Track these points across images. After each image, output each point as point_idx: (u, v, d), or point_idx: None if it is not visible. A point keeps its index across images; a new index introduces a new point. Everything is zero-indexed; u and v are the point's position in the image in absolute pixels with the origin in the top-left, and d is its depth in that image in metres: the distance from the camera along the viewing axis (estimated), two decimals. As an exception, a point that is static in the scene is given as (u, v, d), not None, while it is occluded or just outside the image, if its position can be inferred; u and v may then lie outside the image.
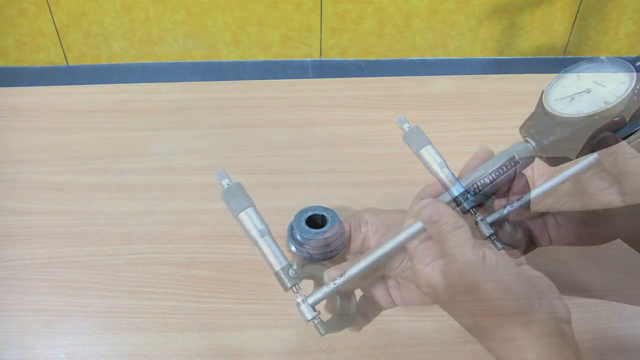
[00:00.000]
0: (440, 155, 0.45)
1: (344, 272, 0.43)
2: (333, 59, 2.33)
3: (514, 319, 0.36)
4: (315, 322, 0.42)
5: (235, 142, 0.86)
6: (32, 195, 0.77)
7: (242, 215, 0.42)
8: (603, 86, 0.41)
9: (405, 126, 0.46)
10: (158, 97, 0.95)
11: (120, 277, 0.67)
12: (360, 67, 2.31)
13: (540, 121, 0.42)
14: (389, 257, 0.43)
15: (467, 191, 0.43)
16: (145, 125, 0.89)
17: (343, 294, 0.45)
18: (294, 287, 0.42)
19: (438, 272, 0.39)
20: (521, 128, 0.44)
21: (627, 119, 0.39)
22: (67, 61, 2.29)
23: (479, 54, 2.34)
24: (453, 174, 0.44)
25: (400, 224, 0.43)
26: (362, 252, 0.46)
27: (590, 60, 0.43)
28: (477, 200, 0.43)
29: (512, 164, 0.43)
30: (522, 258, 0.43)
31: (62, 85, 0.99)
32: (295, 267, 0.42)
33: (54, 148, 0.85)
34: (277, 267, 0.42)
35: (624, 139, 0.41)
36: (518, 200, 0.44)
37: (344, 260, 0.47)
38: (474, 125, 0.89)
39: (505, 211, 0.44)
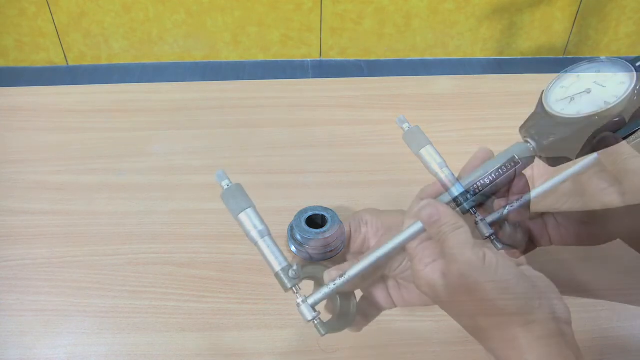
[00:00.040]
0: (440, 155, 0.45)
1: (344, 273, 0.43)
2: (333, 59, 2.33)
3: (513, 319, 0.36)
4: (316, 322, 0.42)
5: (235, 142, 0.86)
6: (32, 195, 0.77)
7: (242, 216, 0.42)
8: (603, 86, 0.41)
9: (405, 126, 0.46)
10: (158, 97, 0.95)
11: (120, 277, 0.67)
12: (360, 67, 2.31)
13: (540, 122, 0.42)
14: (389, 257, 0.43)
15: (467, 191, 0.43)
16: (145, 125, 0.89)
17: (343, 294, 0.45)
18: (294, 288, 0.42)
19: (438, 273, 0.39)
20: (521, 128, 0.44)
21: (627, 119, 0.39)
22: (67, 61, 2.29)
23: (479, 54, 2.34)
24: (453, 174, 0.44)
25: (400, 225, 0.43)
26: (362, 252, 0.46)
27: (590, 60, 0.43)
28: (477, 201, 0.43)
29: (512, 164, 0.43)
30: (522, 258, 0.43)
31: (62, 85, 0.99)
32: (295, 267, 0.42)
33: (54, 148, 0.85)
34: (277, 268, 0.42)
35: (624, 139, 0.41)
36: (518, 200, 0.44)
37: (344, 260, 0.47)
38: (474, 125, 0.89)
39: (505, 211, 0.44)
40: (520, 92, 0.96)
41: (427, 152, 0.45)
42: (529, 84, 0.98)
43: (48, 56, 2.27)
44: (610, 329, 0.62)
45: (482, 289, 0.37)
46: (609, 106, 0.39)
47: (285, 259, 0.42)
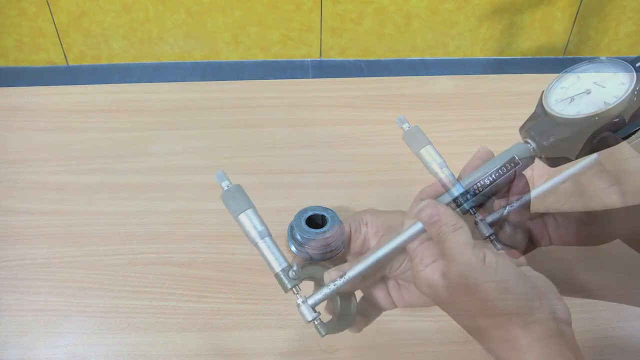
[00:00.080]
0: (440, 155, 0.45)
1: (344, 273, 0.43)
2: (333, 59, 2.33)
3: (513, 320, 0.36)
4: (316, 323, 0.42)
5: (235, 142, 0.86)
6: (32, 195, 0.77)
7: (242, 217, 0.42)
8: (603, 87, 0.41)
9: (405, 126, 0.46)
10: (158, 97, 0.95)
11: (120, 277, 0.67)
12: (360, 67, 2.31)
13: (540, 122, 0.42)
14: (389, 258, 0.43)
15: (467, 192, 0.43)
16: (145, 125, 0.89)
17: (343, 295, 0.45)
18: (294, 289, 0.42)
19: (438, 273, 0.39)
20: (521, 129, 0.44)
21: (627, 120, 0.39)
22: (67, 61, 2.29)
23: (479, 54, 2.34)
24: (453, 174, 0.44)
25: (400, 225, 0.43)
26: (362, 253, 0.46)
27: (590, 61, 0.43)
28: (476, 201, 0.43)
29: (512, 165, 0.43)
30: (522, 258, 0.43)
31: (62, 85, 0.99)
32: (295, 268, 0.42)
33: (54, 148, 0.85)
34: (277, 269, 0.42)
35: (624, 139, 0.41)
36: (518, 200, 0.44)
37: (344, 261, 0.47)
38: (474, 125, 0.89)
39: (505, 211, 0.44)
40: (520, 92, 0.96)
41: (427, 152, 0.45)
42: (529, 84, 0.98)
43: (48, 56, 2.27)
44: (610, 329, 0.62)
45: (482, 289, 0.37)
46: (609, 107, 0.39)
47: (286, 259, 0.42)
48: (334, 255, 0.46)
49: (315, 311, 0.42)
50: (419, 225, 0.41)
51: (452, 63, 2.33)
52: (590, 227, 0.48)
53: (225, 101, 0.94)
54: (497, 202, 0.45)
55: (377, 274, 0.46)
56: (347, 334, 0.46)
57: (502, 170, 0.43)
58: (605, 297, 0.60)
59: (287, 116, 0.91)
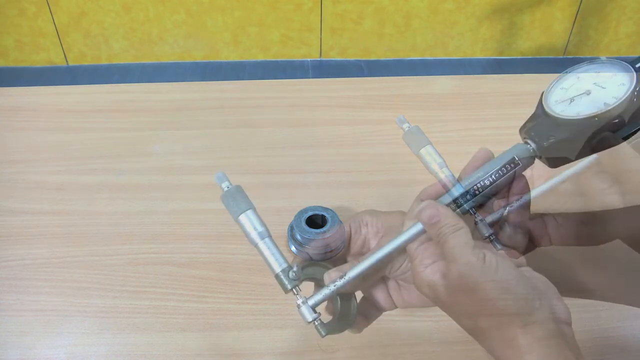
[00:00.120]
0: (439, 155, 0.45)
1: (345, 274, 0.42)
2: (333, 59, 2.33)
3: (514, 320, 0.36)
4: (316, 323, 0.42)
5: (235, 142, 0.86)
6: (32, 195, 0.77)
7: (242, 218, 0.42)
8: (603, 88, 0.41)
9: (405, 126, 0.46)
10: (158, 97, 0.95)
11: (120, 277, 0.67)
12: (360, 67, 2.31)
13: (540, 123, 0.42)
14: (389, 258, 0.43)
15: (467, 192, 0.43)
16: (145, 125, 0.89)
17: (343, 295, 0.45)
18: (294, 289, 0.42)
19: (438, 274, 0.39)
20: (521, 130, 0.44)
21: (627, 120, 0.39)
22: (67, 61, 2.29)
23: (479, 54, 2.34)
24: (452, 174, 0.44)
25: (400, 226, 0.43)
26: (363, 253, 0.46)
27: (590, 61, 0.43)
28: (476, 201, 0.43)
29: (512, 165, 0.43)
30: (522, 259, 0.43)
31: (62, 85, 1.00)
32: (295, 269, 0.42)
33: (54, 148, 0.85)
34: (278, 270, 0.42)
35: (623, 139, 0.41)
36: (518, 201, 0.44)
37: (344, 261, 0.47)
38: (474, 125, 0.90)
39: (505, 212, 0.44)
40: (520, 92, 0.96)
41: (427, 152, 0.45)
42: (529, 84, 0.98)
43: (48, 56, 2.27)
44: (610, 329, 0.62)
45: (482, 289, 0.37)
46: (609, 107, 0.39)
47: (286, 260, 0.42)
48: (334, 256, 0.46)
49: (315, 312, 0.42)
50: (419, 226, 0.41)
51: (452, 63, 2.33)
52: (590, 227, 0.48)
53: (225, 101, 0.94)
54: (497, 203, 0.45)
55: (378, 275, 0.46)
56: (347, 334, 0.46)
57: (502, 171, 0.43)
58: (605, 298, 0.60)
59: (287, 116, 0.91)
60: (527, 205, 0.45)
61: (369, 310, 0.47)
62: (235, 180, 0.43)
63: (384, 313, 0.48)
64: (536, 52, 2.34)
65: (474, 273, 0.37)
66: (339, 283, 0.42)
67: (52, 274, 0.67)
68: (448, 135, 0.87)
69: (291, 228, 0.64)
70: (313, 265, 0.45)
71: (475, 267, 0.37)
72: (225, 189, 0.43)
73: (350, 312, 0.45)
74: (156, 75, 2.24)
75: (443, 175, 0.44)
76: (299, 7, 2.18)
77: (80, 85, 0.99)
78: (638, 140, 0.43)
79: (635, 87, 0.39)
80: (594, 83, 0.41)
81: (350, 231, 0.46)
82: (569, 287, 0.47)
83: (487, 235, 0.43)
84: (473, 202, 0.43)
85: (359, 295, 0.47)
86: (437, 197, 0.44)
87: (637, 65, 0.40)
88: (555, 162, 0.43)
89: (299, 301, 0.42)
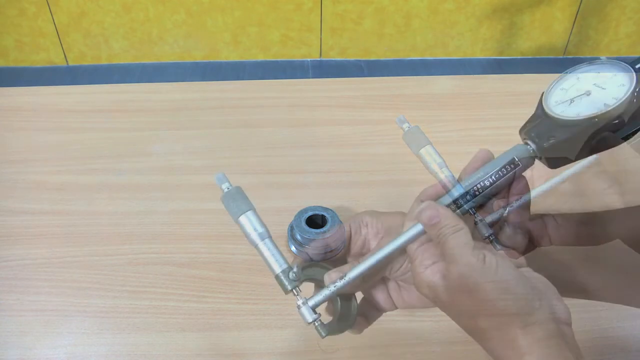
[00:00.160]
0: (439, 155, 0.45)
1: (345, 275, 0.42)
2: (333, 59, 2.33)
3: (513, 321, 0.36)
4: (316, 324, 0.42)
5: (235, 142, 0.86)
6: (32, 195, 0.77)
7: (242, 219, 0.42)
8: (603, 88, 0.41)
9: (405, 126, 0.46)
10: (158, 97, 0.95)
11: (120, 277, 0.67)
12: (360, 67, 2.31)
13: (540, 123, 0.42)
14: (389, 259, 0.43)
15: (467, 193, 0.43)
16: (145, 125, 0.89)
17: (344, 296, 0.45)
18: (294, 290, 0.42)
19: (438, 274, 0.39)
20: (521, 130, 0.44)
21: (627, 121, 0.39)
22: (67, 61, 2.29)
23: (479, 54, 2.34)
24: (452, 175, 0.44)
25: (400, 226, 0.43)
26: (363, 254, 0.46)
27: (590, 62, 0.43)
28: (477, 202, 0.43)
29: (512, 166, 0.43)
30: (522, 259, 0.43)
31: (62, 85, 1.00)
32: (295, 269, 0.42)
33: (54, 148, 0.85)
34: (278, 270, 0.42)
35: (623, 139, 0.41)
36: (518, 201, 0.44)
37: (344, 262, 0.47)
38: (474, 125, 0.90)
39: (505, 212, 0.44)
40: (520, 92, 0.96)
41: (426, 152, 0.45)
42: (529, 84, 0.98)
43: (48, 56, 2.27)
44: (610, 329, 0.62)
45: (482, 290, 0.37)
46: (609, 108, 0.39)
47: (286, 261, 0.42)
48: (334, 256, 0.46)
49: (315, 312, 0.42)
50: (419, 227, 0.41)
51: (452, 63, 2.33)
52: (590, 227, 0.48)
53: (225, 101, 0.94)
54: (497, 203, 0.45)
55: (378, 275, 0.46)
56: (347, 334, 0.46)
57: (502, 172, 0.43)
58: (605, 298, 0.60)
59: (287, 116, 0.91)
60: (527, 205, 0.45)
61: (369, 311, 0.47)
62: (235, 180, 0.43)
63: (384, 313, 0.48)
64: (536, 52, 2.34)
65: (474, 274, 0.37)
66: (339, 284, 0.42)
67: (52, 274, 0.67)
68: (448, 135, 0.87)
69: (291, 228, 0.64)
70: (313, 266, 0.45)
71: (475, 267, 0.37)
72: (226, 190, 0.43)
73: (350, 312, 0.45)
74: (156, 75, 2.24)
75: (443, 175, 0.44)
76: (299, 7, 2.18)
77: (80, 85, 0.99)
78: (638, 140, 0.43)
79: (635, 87, 0.39)
80: (594, 84, 0.41)
81: (350, 232, 0.46)
82: (569, 287, 0.47)
83: (486, 235, 0.43)
84: (473, 203, 0.43)
85: (359, 295, 0.47)
86: (437, 198, 0.44)
87: (637, 66, 0.40)
88: (555, 162, 0.43)
89: (299, 302, 0.42)
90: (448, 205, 0.43)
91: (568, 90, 0.42)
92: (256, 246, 0.42)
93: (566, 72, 0.43)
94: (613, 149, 0.41)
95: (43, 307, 0.64)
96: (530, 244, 0.48)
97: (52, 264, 0.68)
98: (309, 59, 2.33)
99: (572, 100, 0.41)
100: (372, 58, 2.34)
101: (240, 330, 0.62)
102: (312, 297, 0.42)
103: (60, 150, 0.85)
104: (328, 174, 0.81)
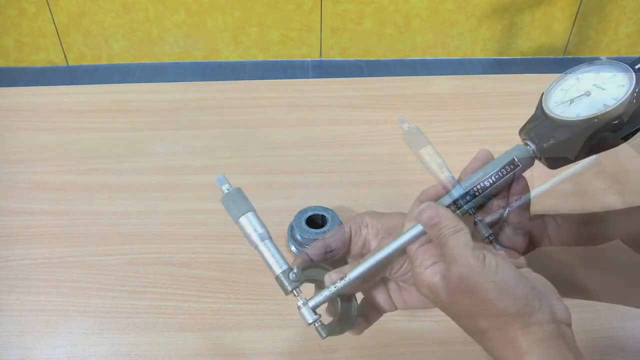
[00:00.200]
0: (439, 155, 0.45)
1: (345, 275, 0.42)
2: (333, 59, 2.33)
3: (513, 321, 0.36)
4: (317, 325, 0.42)
5: (235, 142, 0.86)
6: (32, 195, 0.77)
7: (242, 220, 0.42)
8: (602, 89, 0.41)
9: (405, 126, 0.46)
10: (158, 97, 0.95)
11: (120, 277, 0.67)
12: (360, 67, 2.31)
13: (539, 124, 0.42)
14: (389, 260, 0.43)
15: (466, 193, 0.43)
16: (145, 125, 0.89)
17: (344, 297, 0.45)
18: (294, 291, 0.42)
19: (438, 275, 0.39)
20: (521, 131, 0.44)
21: (626, 121, 0.39)
22: (67, 61, 2.29)
23: (479, 54, 2.34)
24: (452, 175, 0.44)
25: (400, 227, 0.43)
26: (363, 255, 0.46)
27: (590, 62, 0.43)
28: (476, 202, 0.43)
29: (512, 167, 0.43)
30: (522, 260, 0.43)
31: (62, 85, 1.00)
32: (295, 270, 0.42)
33: (54, 148, 0.85)
34: (278, 271, 0.42)
35: (623, 139, 0.41)
36: (517, 201, 0.44)
37: (345, 262, 0.47)
38: (474, 125, 0.90)
39: (505, 213, 0.44)
40: (520, 92, 0.96)
41: (426, 152, 0.45)
42: (529, 84, 0.98)
43: (48, 56, 2.27)
44: (610, 329, 0.62)
45: (482, 290, 0.37)
46: (609, 109, 0.39)
47: (286, 261, 0.42)
48: (334, 256, 0.46)
49: (315, 313, 0.42)
50: (419, 228, 0.41)
51: (452, 63, 2.33)
52: (590, 227, 0.48)
53: (225, 101, 0.94)
54: (496, 203, 0.45)
55: (378, 276, 0.46)
56: (347, 334, 0.46)
57: (502, 172, 0.43)
58: (605, 298, 0.60)
59: (287, 116, 0.92)
60: (527, 205, 0.45)
61: (370, 312, 0.47)
62: (235, 180, 0.43)
63: (384, 313, 0.48)
64: (536, 52, 2.34)
65: (474, 274, 0.37)
66: (340, 284, 0.42)
67: (52, 274, 0.67)
68: (448, 135, 0.87)
69: (291, 228, 0.64)
70: (313, 267, 0.45)
71: (475, 268, 0.37)
72: (226, 191, 0.43)
73: (350, 313, 0.45)
74: (156, 75, 2.24)
75: (442, 175, 0.44)
76: (299, 7, 2.18)
77: (80, 85, 0.99)
78: (638, 141, 0.43)
79: (634, 88, 0.39)
80: (594, 84, 0.41)
81: (351, 232, 0.46)
82: (569, 287, 0.47)
83: (486, 235, 0.43)
84: (473, 203, 0.43)
85: (359, 296, 0.47)
86: (437, 199, 0.44)
87: (636, 67, 0.40)
88: (555, 163, 0.43)
89: (300, 302, 0.42)
90: (448, 206, 0.43)
91: (568, 91, 0.42)
92: (256, 247, 0.42)
93: (566, 73, 0.43)
94: (613, 149, 0.41)
95: (43, 307, 0.64)
96: (530, 245, 0.48)
97: (52, 264, 0.68)
98: (309, 59, 2.33)
99: (571, 101, 0.41)
100: (372, 58, 2.34)
101: (240, 330, 0.62)
102: (312, 297, 0.42)
103: (60, 150, 0.85)
104: (328, 174, 0.81)
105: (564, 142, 0.41)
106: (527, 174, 0.44)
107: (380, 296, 0.47)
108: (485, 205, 0.44)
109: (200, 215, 0.74)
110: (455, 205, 0.43)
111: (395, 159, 0.82)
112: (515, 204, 0.44)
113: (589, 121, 0.39)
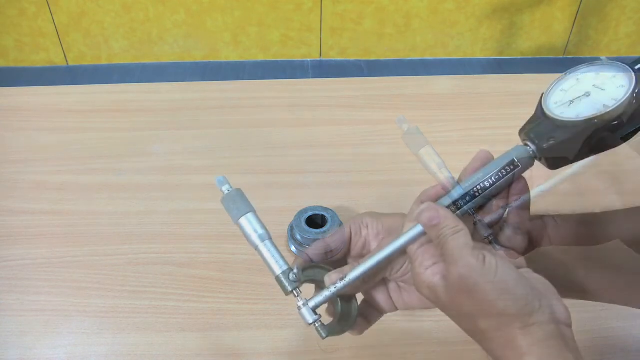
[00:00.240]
0: (439, 155, 0.45)
1: (345, 276, 0.43)
2: (333, 59, 2.33)
3: (513, 322, 0.36)
4: (317, 325, 0.42)
5: (235, 142, 0.86)
6: (32, 195, 0.77)
7: (242, 221, 0.42)
8: (602, 90, 0.41)
9: (405, 126, 0.46)
10: (158, 97, 0.95)
11: (120, 277, 0.67)
12: (360, 67, 2.31)
13: (539, 125, 0.42)
14: (389, 260, 0.43)
15: (466, 194, 0.43)
16: (145, 125, 0.89)
17: (344, 297, 0.45)
18: (294, 291, 0.42)
19: (438, 275, 0.39)
20: (520, 131, 0.44)
21: (626, 121, 0.39)
22: (67, 61, 2.29)
23: (479, 54, 2.34)
24: (452, 175, 0.44)
25: (400, 228, 0.43)
26: (363, 255, 0.46)
27: (590, 63, 0.43)
28: (476, 203, 0.43)
29: (512, 167, 0.43)
30: (522, 260, 0.43)
31: (62, 85, 1.00)
32: (295, 271, 0.42)
33: (54, 148, 0.85)
34: (278, 272, 0.42)
35: (622, 140, 0.41)
36: (517, 202, 0.44)
37: (345, 263, 0.47)
38: (474, 125, 0.90)
39: (505, 213, 0.44)
40: (520, 92, 0.96)
41: (426, 153, 0.45)
42: (529, 84, 0.98)
43: (48, 56, 2.27)
44: (610, 329, 0.62)
45: (482, 291, 0.37)
46: (609, 109, 0.39)
47: (286, 262, 0.42)
48: (334, 256, 0.46)
49: (316, 313, 0.42)
50: (419, 228, 0.41)
51: (452, 63, 2.33)
52: (590, 227, 0.48)
53: (225, 101, 0.94)
54: (496, 204, 0.45)
55: (378, 277, 0.46)
56: (347, 334, 0.46)
57: (502, 173, 0.43)
58: (604, 298, 0.60)
59: (287, 116, 0.92)
60: (526, 206, 0.45)
61: (370, 312, 0.47)
62: (235, 181, 0.43)
63: (385, 314, 0.48)
64: (536, 52, 2.34)
65: (474, 275, 0.37)
66: (340, 285, 0.42)
67: (52, 274, 0.67)
68: (448, 135, 0.87)
69: (291, 228, 0.64)
70: (313, 267, 0.45)
71: (475, 268, 0.37)
72: (226, 192, 0.43)
73: (351, 314, 0.45)
74: (156, 75, 2.24)
75: (442, 176, 0.44)
76: (299, 7, 2.18)
77: (80, 85, 0.99)
78: (638, 141, 0.43)
79: (634, 88, 0.39)
80: (594, 85, 0.41)
81: (351, 233, 0.46)
82: (569, 287, 0.47)
83: (486, 236, 0.43)
84: (473, 204, 0.43)
85: (359, 297, 0.47)
86: (437, 199, 0.44)
87: (636, 67, 0.40)
88: (554, 163, 0.43)
89: (300, 303, 0.42)
90: (448, 206, 0.43)
91: (568, 92, 0.42)
92: (256, 248, 0.42)
93: (566, 74, 0.43)
94: (613, 149, 0.41)
95: (43, 307, 0.64)
96: (530, 245, 0.48)
97: (52, 264, 0.68)
98: (309, 59, 2.33)
99: (571, 102, 0.41)
100: (372, 58, 2.34)
101: (240, 330, 0.62)
102: (312, 298, 0.42)
103: (60, 150, 0.85)
104: (328, 174, 0.81)
105: (564, 143, 0.41)
106: (527, 174, 0.44)
107: (380, 296, 0.47)
108: (485, 206, 0.44)
109: (200, 215, 0.74)
110: (455, 205, 0.43)
111: (395, 159, 0.82)
112: (515, 205, 0.44)
113: (588, 122, 0.39)
